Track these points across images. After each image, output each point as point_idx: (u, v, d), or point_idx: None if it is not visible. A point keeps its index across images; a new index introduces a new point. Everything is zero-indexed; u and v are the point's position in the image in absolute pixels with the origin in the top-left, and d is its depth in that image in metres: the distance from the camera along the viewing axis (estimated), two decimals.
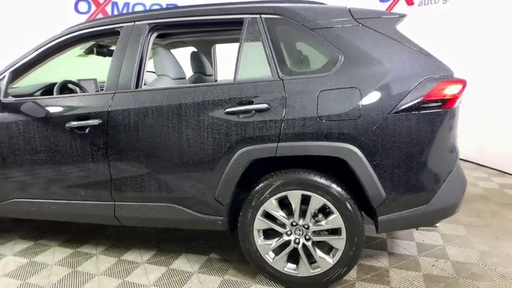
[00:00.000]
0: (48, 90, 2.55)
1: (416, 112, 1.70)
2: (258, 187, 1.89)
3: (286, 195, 1.87)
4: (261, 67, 1.89)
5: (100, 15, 5.27)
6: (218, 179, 1.91)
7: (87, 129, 2.01)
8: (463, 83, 1.73)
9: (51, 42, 2.18)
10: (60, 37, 2.18)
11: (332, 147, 1.74)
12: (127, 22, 2.10)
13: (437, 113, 1.72)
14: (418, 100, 1.69)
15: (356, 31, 1.84)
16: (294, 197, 1.86)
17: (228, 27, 2.18)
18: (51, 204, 2.22)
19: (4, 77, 2.19)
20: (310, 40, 1.89)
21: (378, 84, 1.73)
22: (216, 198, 1.94)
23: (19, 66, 2.20)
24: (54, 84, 2.56)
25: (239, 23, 1.98)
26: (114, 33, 2.15)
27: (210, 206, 1.98)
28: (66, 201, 2.19)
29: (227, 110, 1.84)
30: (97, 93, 2.11)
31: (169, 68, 2.28)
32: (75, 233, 2.70)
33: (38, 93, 2.50)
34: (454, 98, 1.72)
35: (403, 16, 1.90)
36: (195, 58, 2.91)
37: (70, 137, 2.05)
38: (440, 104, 1.71)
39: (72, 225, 2.82)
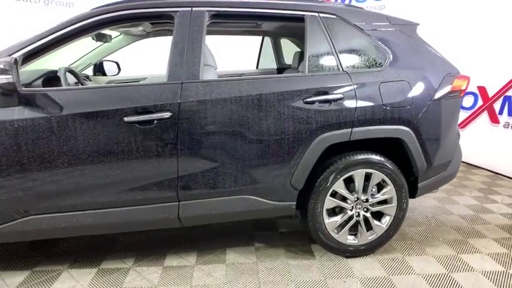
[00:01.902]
0: (50, 78, 2.05)
1: (445, 100, 2.21)
2: (329, 169, 2.08)
3: (352, 175, 2.12)
4: (327, 61, 2.07)
5: None
6: (296, 166, 2.01)
7: (153, 123, 1.78)
8: (468, 78, 2.33)
9: (83, 20, 1.80)
10: (95, 15, 1.82)
11: (394, 130, 2.08)
12: (182, 7, 1.93)
13: (456, 100, 2.28)
14: (447, 91, 2.21)
15: (395, 34, 2.23)
16: (359, 175, 2.13)
17: (285, 22, 2.25)
18: (88, 216, 1.85)
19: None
20: (363, 39, 2.17)
21: (420, 78, 2.16)
22: (292, 184, 2.04)
23: (31, 50, 1.74)
24: (54, 72, 2.09)
25: (298, 19, 2.10)
26: (166, 16, 1.94)
27: (286, 192, 2.06)
28: (111, 210, 1.87)
29: (306, 99, 1.96)
30: (159, 83, 1.85)
31: (212, 58, 2.21)
32: (78, 250, 2.27)
33: (39, 82, 1.99)
34: (464, 90, 2.31)
35: (418, 24, 2.39)
36: None
37: (128, 133, 1.76)
38: (457, 93, 2.27)
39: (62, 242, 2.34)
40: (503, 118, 4.00)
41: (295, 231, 2.59)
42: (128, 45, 2.89)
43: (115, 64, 3.14)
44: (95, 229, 1.93)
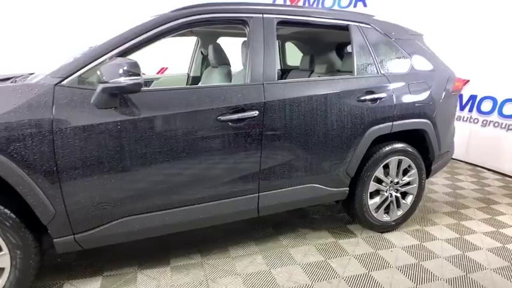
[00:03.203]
0: None
1: (449, 98, 2.73)
2: (373, 158, 2.43)
3: (389, 161, 2.51)
4: (369, 65, 2.42)
5: None
6: (351, 156, 2.31)
7: (243, 121, 1.92)
8: (463, 80, 2.89)
9: (168, 22, 1.85)
10: (180, 18, 1.88)
11: (421, 122, 2.52)
12: (255, 13, 2.09)
13: (456, 98, 2.83)
14: (451, 90, 2.73)
15: (413, 42, 2.68)
16: (394, 161, 2.53)
17: (332, 30, 2.51)
18: (179, 213, 1.91)
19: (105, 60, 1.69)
20: (392, 46, 2.56)
21: (434, 79, 2.63)
22: (347, 172, 2.34)
23: (126, 48, 1.75)
24: None
25: (343, 27, 2.41)
26: (239, 21, 2.08)
27: (342, 180, 2.35)
28: (200, 205, 1.95)
29: (359, 98, 2.28)
30: (246, 84, 1.97)
31: None
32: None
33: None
34: (461, 89, 2.87)
35: (423, 34, 2.88)
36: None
37: (222, 130, 1.88)
38: (457, 92, 2.82)
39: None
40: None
41: (327, 216, 2.91)
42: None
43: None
44: (184, 226, 1.99)
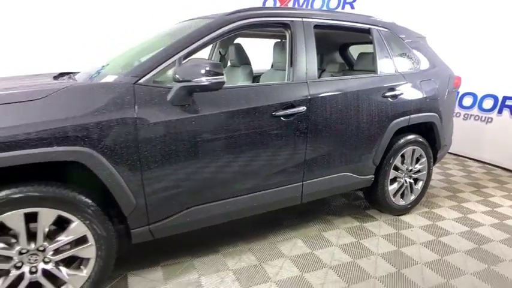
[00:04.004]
0: None
1: (451, 94, 3.08)
2: (393, 148, 2.70)
3: (405, 151, 2.80)
4: (388, 64, 2.69)
5: None
6: (377, 147, 2.57)
7: (293, 116, 2.11)
8: (460, 78, 3.25)
9: (221, 27, 1.98)
10: (233, 22, 2.02)
11: (431, 116, 2.84)
12: (296, 17, 2.27)
13: (455, 94, 3.18)
14: (452, 87, 3.08)
15: (421, 44, 2.99)
16: (409, 151, 2.82)
17: (355, 32, 2.74)
18: (238, 201, 2.07)
19: (174, 62, 1.81)
20: (405, 48, 2.85)
21: (439, 77, 2.96)
22: (374, 161, 2.60)
23: (190, 51, 1.87)
24: None
25: (365, 31, 2.66)
26: (282, 25, 2.25)
27: (369, 168, 2.61)
28: (254, 194, 2.12)
29: (384, 94, 2.54)
30: (294, 82, 2.15)
31: None
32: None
33: None
34: (459, 86, 3.23)
35: (426, 37, 3.20)
36: None
37: (276, 125, 2.05)
38: (456, 89, 3.18)
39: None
40: None
41: (345, 204, 3.16)
42: None
43: None
44: (241, 213, 2.14)
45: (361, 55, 3.17)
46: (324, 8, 6.40)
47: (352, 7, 6.17)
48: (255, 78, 3.10)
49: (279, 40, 3.01)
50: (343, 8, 6.26)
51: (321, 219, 2.84)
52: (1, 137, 1.36)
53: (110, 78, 1.75)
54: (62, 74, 2.35)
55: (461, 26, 4.74)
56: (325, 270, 2.14)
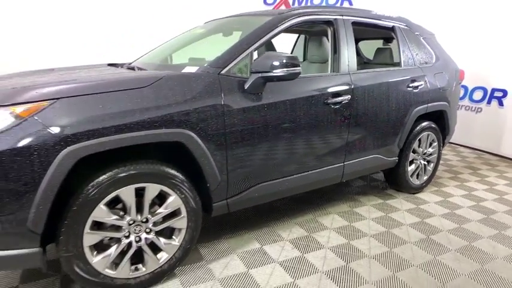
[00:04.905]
0: None
1: (457, 86, 3.47)
2: (412, 133, 3.05)
3: (422, 136, 3.16)
4: (409, 58, 3.02)
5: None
6: (402, 131, 2.91)
7: (340, 104, 2.39)
8: (464, 72, 3.64)
9: (281, 24, 2.22)
10: (293, 18, 2.27)
11: (443, 105, 3.21)
12: (338, 15, 2.54)
13: (459, 86, 3.58)
14: (458, 79, 3.47)
15: (432, 40, 3.35)
16: (425, 136, 3.19)
17: (379, 29, 3.04)
18: (294, 180, 2.33)
19: (248, 55, 2.04)
20: (421, 43, 3.19)
21: (448, 70, 3.34)
22: (398, 144, 2.94)
23: (260, 44, 2.11)
24: None
25: (388, 28, 2.97)
26: (326, 22, 2.52)
27: (395, 151, 2.95)
28: (304, 174, 2.39)
29: (408, 85, 2.87)
30: (339, 74, 2.42)
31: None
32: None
33: None
34: (463, 79, 3.63)
35: (434, 33, 3.57)
36: None
37: (327, 111, 2.33)
38: (461, 81, 3.57)
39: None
40: None
41: (365, 186, 3.50)
42: None
43: None
44: (295, 190, 2.42)
45: (379, 50, 3.49)
46: (323, 4, 6.71)
47: (351, 3, 6.51)
48: None
49: (315, 36, 3.25)
50: (341, 4, 6.60)
51: (349, 198, 3.16)
52: (135, 120, 1.57)
53: (191, 69, 1.96)
54: (112, 65, 2.51)
55: (453, 22, 5.18)
56: (367, 238, 2.46)
